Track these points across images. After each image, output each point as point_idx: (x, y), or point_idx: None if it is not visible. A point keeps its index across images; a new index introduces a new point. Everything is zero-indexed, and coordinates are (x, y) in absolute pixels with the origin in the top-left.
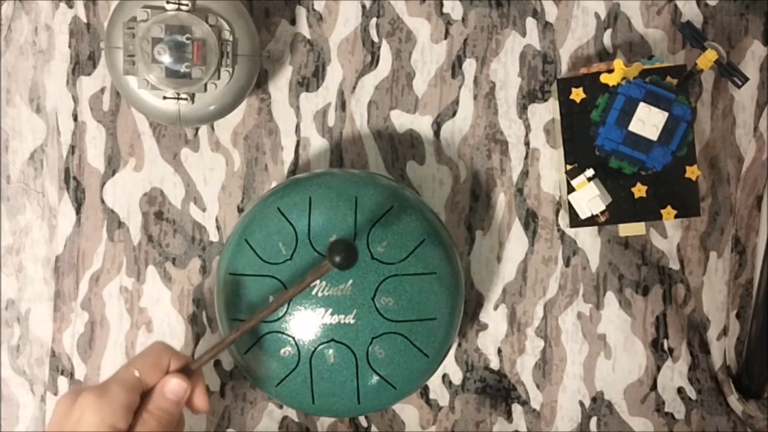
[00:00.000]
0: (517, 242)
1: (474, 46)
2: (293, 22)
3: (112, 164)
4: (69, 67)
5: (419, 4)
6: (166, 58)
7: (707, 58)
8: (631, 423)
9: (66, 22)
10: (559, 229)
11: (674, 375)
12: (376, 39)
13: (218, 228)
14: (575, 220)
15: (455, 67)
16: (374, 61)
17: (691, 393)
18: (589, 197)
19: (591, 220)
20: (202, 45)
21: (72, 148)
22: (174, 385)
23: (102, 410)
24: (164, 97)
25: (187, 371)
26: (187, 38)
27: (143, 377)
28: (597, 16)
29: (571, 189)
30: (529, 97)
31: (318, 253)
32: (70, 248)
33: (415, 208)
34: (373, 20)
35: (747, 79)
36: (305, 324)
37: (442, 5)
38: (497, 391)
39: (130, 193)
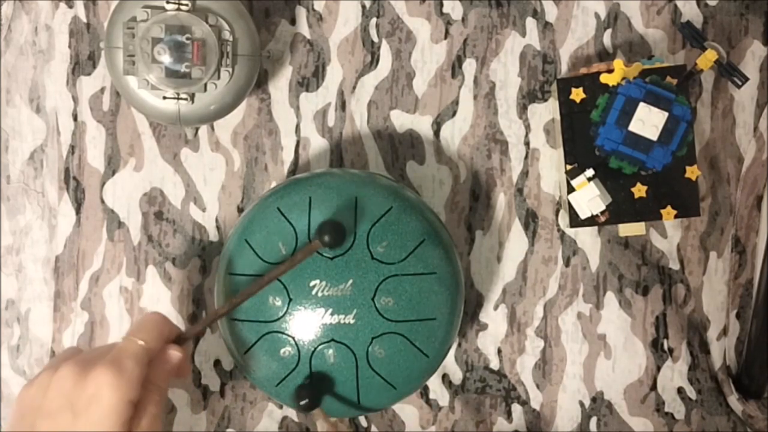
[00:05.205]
0: (517, 242)
1: (474, 46)
2: (293, 22)
3: (112, 164)
4: (69, 67)
5: (419, 4)
6: (166, 58)
7: (707, 58)
8: (631, 423)
9: (66, 22)
10: (559, 229)
11: (674, 375)
12: (376, 39)
13: (218, 228)
14: (575, 220)
15: (455, 67)
16: (374, 61)
17: (691, 393)
18: (589, 197)
19: (591, 220)
20: (202, 45)
21: (72, 148)
22: (174, 357)
23: (121, 387)
24: (164, 97)
25: (179, 340)
26: (187, 38)
27: (150, 348)
28: (597, 16)
29: (571, 189)
30: (529, 97)
31: (318, 253)
32: (70, 248)
33: (415, 208)
34: (373, 20)
35: (747, 79)
36: (305, 324)
37: (442, 5)
38: (497, 391)
39: (130, 193)
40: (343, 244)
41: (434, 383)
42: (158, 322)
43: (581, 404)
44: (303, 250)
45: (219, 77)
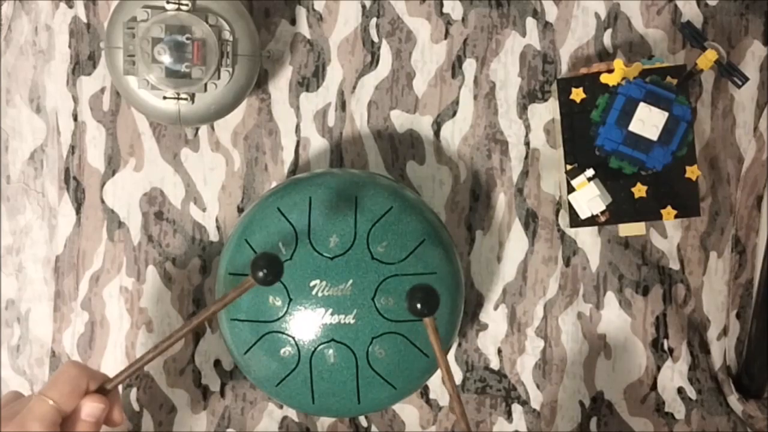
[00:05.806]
0: (517, 242)
1: (474, 46)
2: (293, 22)
3: (112, 164)
4: (69, 67)
5: (419, 4)
6: (166, 58)
7: (707, 58)
8: (631, 423)
9: (66, 22)
10: (559, 229)
11: (674, 375)
12: (376, 39)
13: (218, 228)
14: (575, 220)
15: (455, 67)
16: (374, 61)
17: (691, 393)
18: (589, 197)
19: (591, 220)
20: (202, 45)
21: (72, 148)
22: (94, 409)
23: None
24: (164, 97)
25: (103, 390)
26: (187, 38)
27: (61, 406)
28: (597, 16)
29: (571, 189)
30: (529, 97)
31: (318, 253)
32: (70, 248)
33: (415, 208)
34: (373, 20)
35: (747, 79)
36: (305, 324)
37: (442, 5)
38: (497, 391)
39: (130, 193)
40: (279, 279)
41: (434, 383)
42: (72, 377)
43: (581, 404)
44: (236, 288)
45: (219, 77)
